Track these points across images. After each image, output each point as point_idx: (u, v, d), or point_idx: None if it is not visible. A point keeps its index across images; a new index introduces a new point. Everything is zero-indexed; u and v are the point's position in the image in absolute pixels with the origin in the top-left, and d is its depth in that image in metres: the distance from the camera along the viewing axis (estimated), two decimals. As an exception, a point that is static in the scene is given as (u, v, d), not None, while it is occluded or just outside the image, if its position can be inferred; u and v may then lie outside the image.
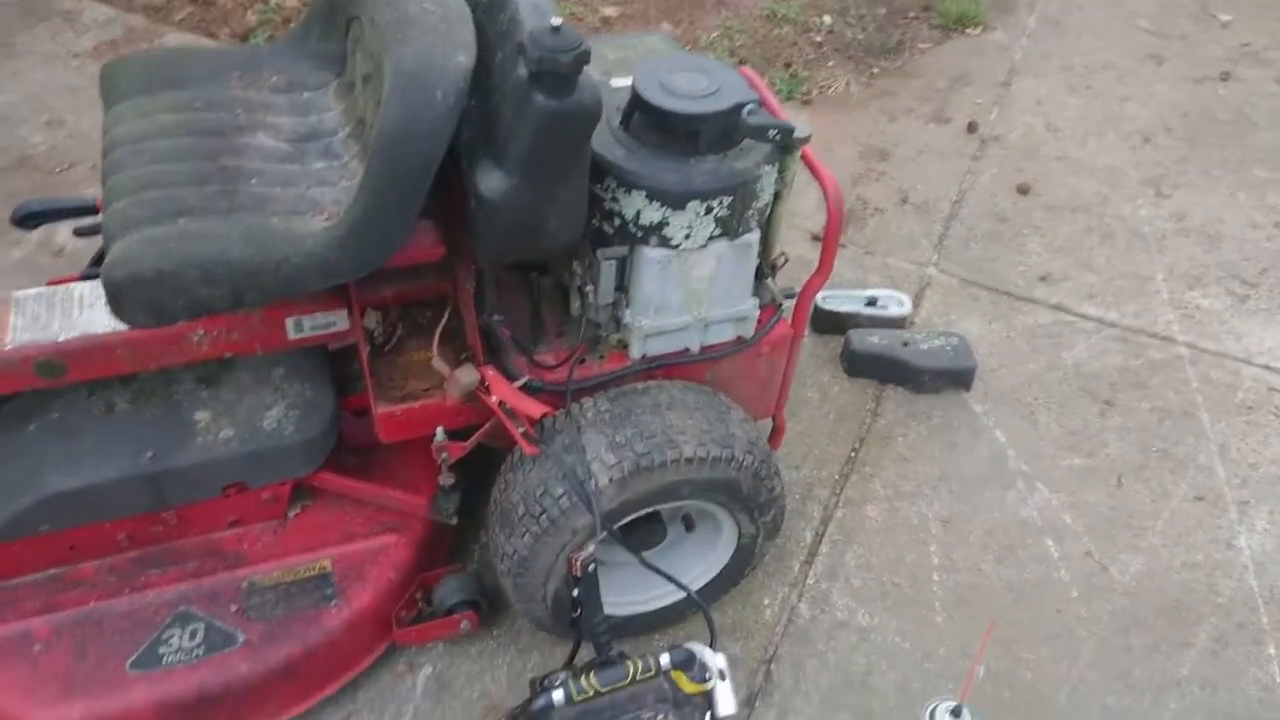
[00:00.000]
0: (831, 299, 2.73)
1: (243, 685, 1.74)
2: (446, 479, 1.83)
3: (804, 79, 3.69)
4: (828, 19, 4.03)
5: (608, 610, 1.97)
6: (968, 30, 4.06)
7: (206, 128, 1.68)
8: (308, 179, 1.66)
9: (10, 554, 1.77)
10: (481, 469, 1.93)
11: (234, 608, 1.81)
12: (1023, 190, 3.27)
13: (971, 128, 3.52)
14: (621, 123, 1.74)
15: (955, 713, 1.66)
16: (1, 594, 1.78)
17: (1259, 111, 3.68)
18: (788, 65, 3.75)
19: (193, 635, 1.77)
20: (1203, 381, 2.66)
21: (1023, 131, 3.53)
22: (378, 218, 1.44)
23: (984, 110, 3.61)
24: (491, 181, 1.50)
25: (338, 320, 1.82)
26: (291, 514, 1.94)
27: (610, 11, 3.97)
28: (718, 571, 2.01)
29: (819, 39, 3.93)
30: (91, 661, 1.73)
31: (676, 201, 1.66)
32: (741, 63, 3.68)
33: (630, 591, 2.02)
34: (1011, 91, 3.73)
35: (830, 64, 3.80)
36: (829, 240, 1.86)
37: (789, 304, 1.98)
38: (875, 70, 3.80)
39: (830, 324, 2.72)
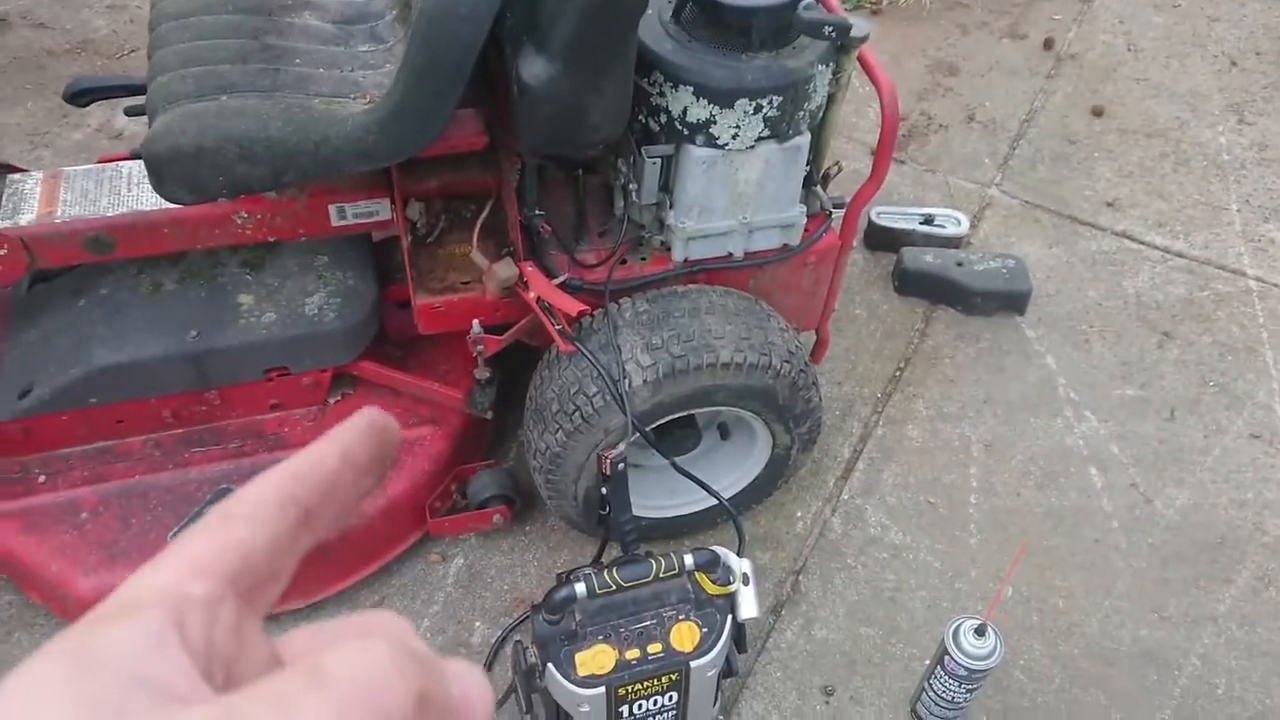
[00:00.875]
0: (886, 215, 2.66)
1: (278, 562, 1.78)
2: (482, 373, 1.84)
3: (875, -13, 3.55)
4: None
5: (639, 512, 1.99)
6: (1052, -58, 3.86)
7: (252, 5, 1.66)
8: (352, 61, 1.64)
9: (60, 425, 1.82)
10: (523, 366, 1.93)
11: (272, 488, 1.84)
12: (1097, 112, 3.14)
13: (1048, 44, 3.37)
14: (673, 15, 1.69)
15: (980, 631, 1.64)
16: (51, 463, 1.84)
17: (1359, 38, 3.47)
18: (859, -28, 3.61)
19: (232, 512, 1.81)
20: (1270, 317, 2.56)
21: (1102, 50, 3.38)
22: (417, 102, 1.42)
23: (1062, 27, 3.45)
24: (534, 68, 1.46)
25: (381, 209, 1.81)
26: (332, 401, 1.97)
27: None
28: (751, 481, 2.00)
29: (894, -54, 3.77)
30: (135, 531, 1.78)
31: (724, 99, 1.62)
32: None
33: (662, 495, 2.03)
34: (1093, 8, 3.56)
35: (904, -27, 3.65)
36: (883, 146, 1.81)
37: (838, 214, 1.93)
38: (951, -19, 3.65)
39: (884, 240, 2.65)
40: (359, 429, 0.37)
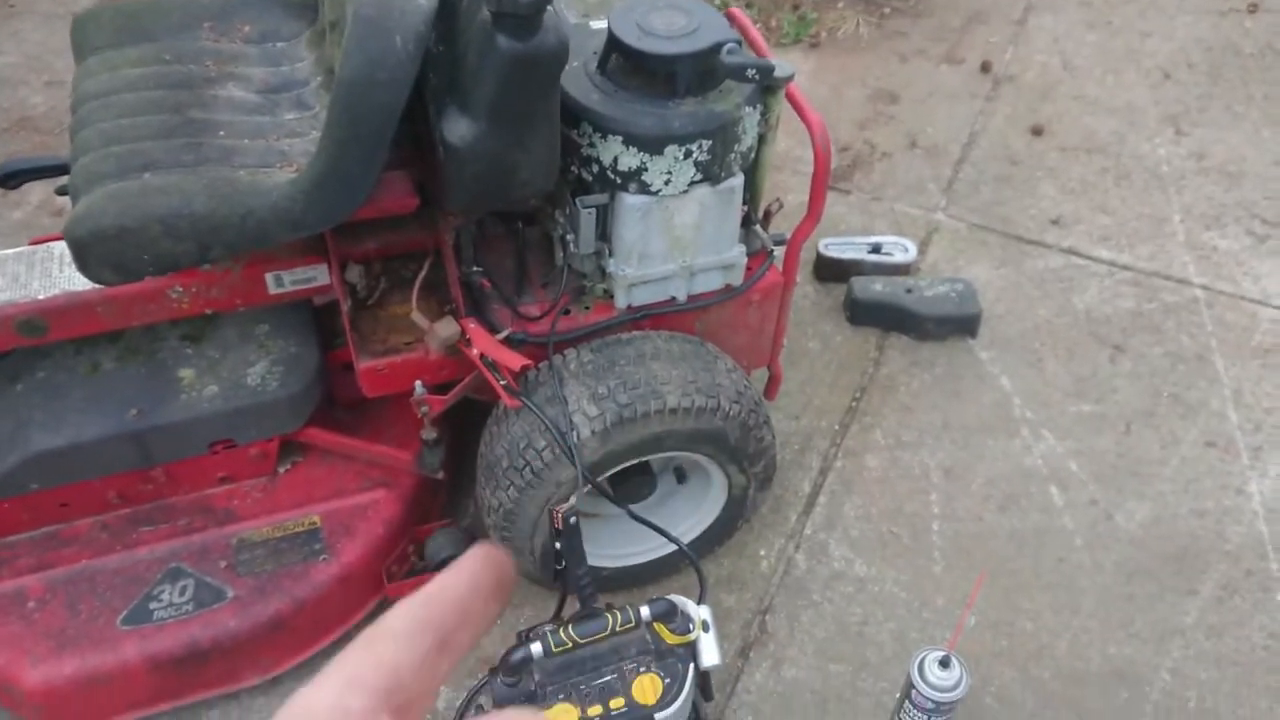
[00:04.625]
0: (834, 246, 2.68)
1: (232, 640, 1.75)
2: (429, 433, 1.82)
3: (812, 21, 3.60)
4: (838, -41, 3.92)
5: (600, 562, 1.97)
6: (984, -33, 3.93)
7: (175, 80, 1.66)
8: (277, 130, 1.63)
9: (2, 513, 1.78)
10: (477, 423, 1.91)
11: (223, 564, 1.82)
12: (1037, 131, 3.18)
13: (985, 68, 3.42)
14: (598, 66, 1.70)
15: (944, 663, 1.63)
16: (-5, 552, 1.80)
17: (1287, 44, 3.55)
18: (795, 7, 3.66)
19: (183, 591, 1.78)
20: (1218, 325, 2.59)
21: (1038, 70, 3.43)
22: (342, 169, 1.41)
23: (998, 49, 3.50)
24: (458, 129, 1.46)
25: (318, 275, 1.80)
26: (281, 470, 1.94)
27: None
28: (710, 523, 1.99)
29: (829, -21, 3.83)
30: (84, 618, 1.74)
31: (654, 146, 1.62)
32: (728, 4, 3.60)
33: (623, 544, 2.01)
34: (1027, 29, 3.62)
35: (840, 4, 3.70)
36: (817, 183, 1.82)
37: (779, 251, 1.94)
38: (886, 10, 3.70)
39: (834, 271, 2.66)
40: (479, 559, 0.41)
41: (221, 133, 1.59)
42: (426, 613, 0.38)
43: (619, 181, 1.67)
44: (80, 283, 1.70)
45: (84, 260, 1.43)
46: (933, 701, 1.63)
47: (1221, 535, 2.15)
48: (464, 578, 0.40)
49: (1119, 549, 2.13)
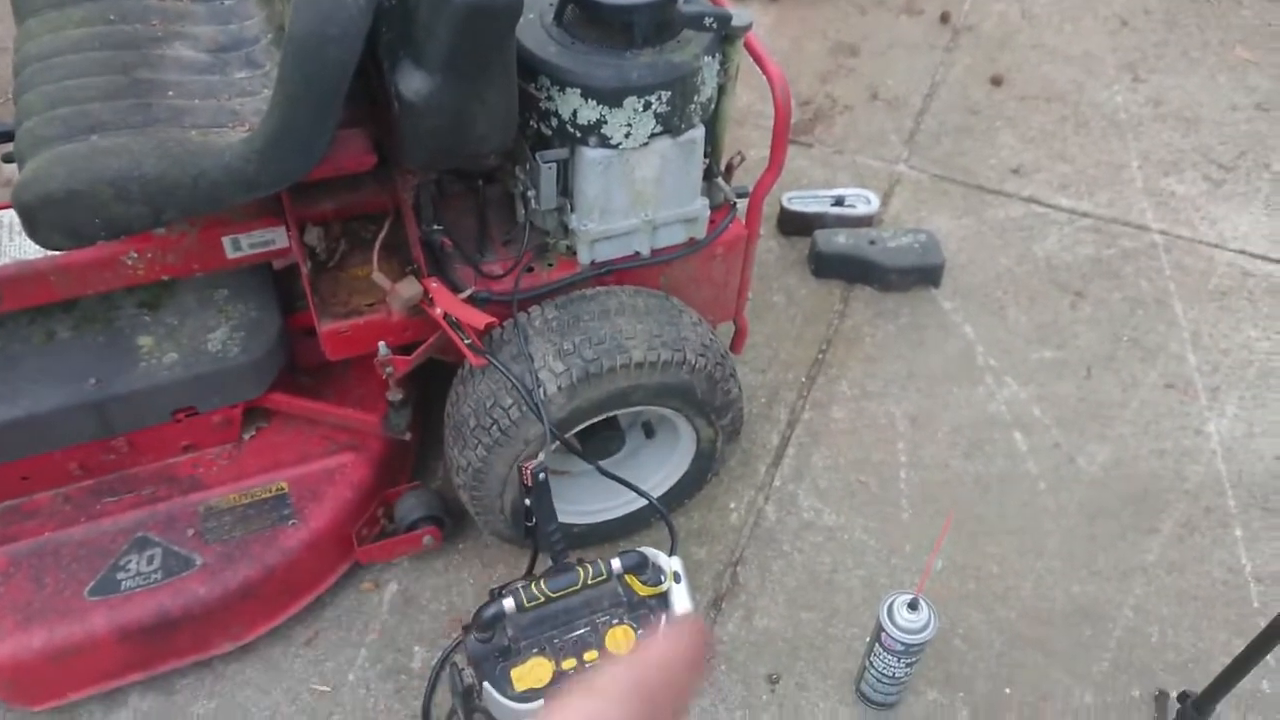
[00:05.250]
0: (798, 199, 2.68)
1: (202, 608, 1.74)
2: (395, 394, 1.81)
3: (771, -26, 3.57)
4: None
5: (571, 519, 1.98)
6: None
7: (120, 40, 1.62)
8: (228, 90, 1.60)
9: (-39, 487, 1.76)
10: (444, 384, 1.90)
11: (190, 532, 1.80)
12: (996, 81, 3.18)
13: (944, 18, 3.42)
14: (555, 18, 1.68)
15: (913, 605, 1.65)
16: (-44, 528, 1.78)
17: (1241, -11, 3.57)
18: (754, -39, 3.63)
19: (150, 560, 1.77)
20: (1176, 269, 2.62)
21: (997, 20, 3.43)
22: (295, 127, 1.39)
23: (957, 0, 3.50)
24: (413, 83, 1.44)
25: (276, 237, 1.77)
26: (246, 437, 1.93)
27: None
28: (679, 477, 2.00)
29: (787, -68, 3.79)
30: (50, 590, 1.72)
31: (612, 98, 1.61)
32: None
33: (594, 501, 2.01)
34: (986, -21, 3.61)
35: (798, -42, 3.67)
36: (778, 135, 1.81)
37: (742, 204, 1.94)
38: (845, -38, 3.67)
39: (797, 225, 2.66)
40: (684, 628, 0.41)
41: (171, 93, 1.56)
42: (639, 676, 0.38)
43: (578, 135, 1.65)
44: (32, 250, 1.66)
45: (33, 226, 1.40)
46: (902, 644, 1.65)
47: (1181, 475, 2.19)
48: (670, 646, 0.40)
49: (1081, 491, 2.16)
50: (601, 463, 1.86)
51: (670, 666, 0.39)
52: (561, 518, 1.91)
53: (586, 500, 2.00)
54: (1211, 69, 3.24)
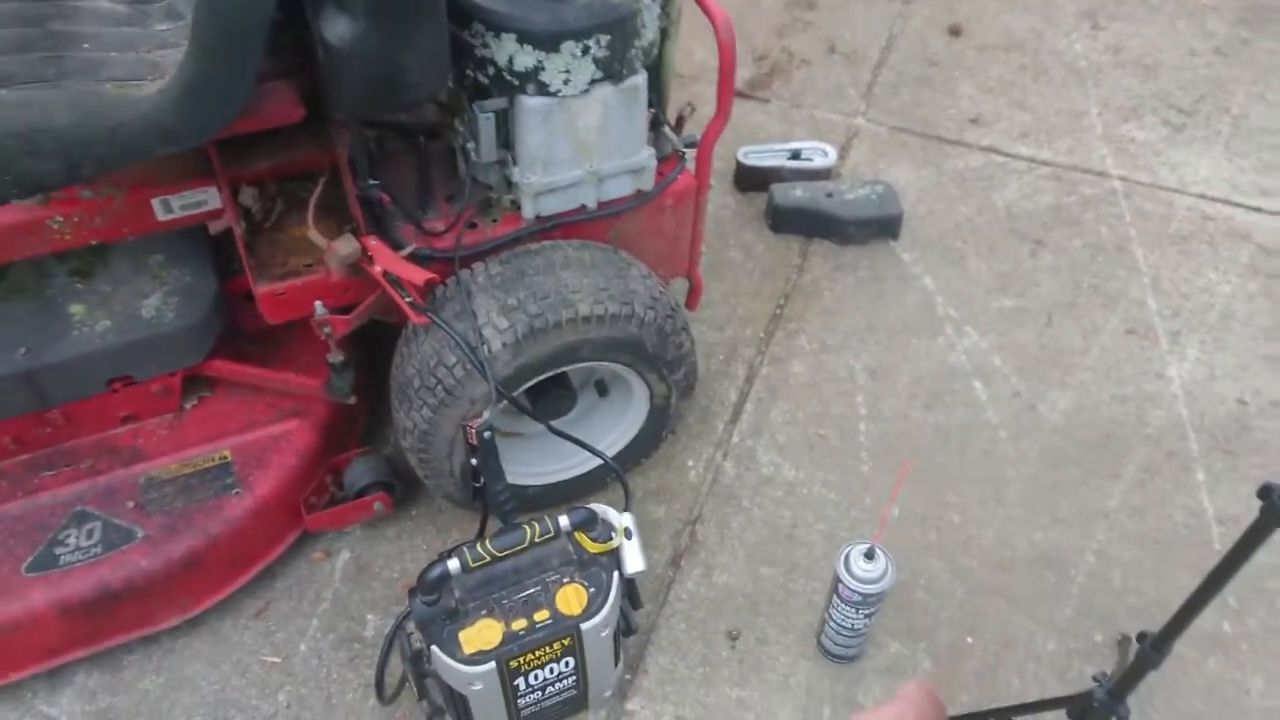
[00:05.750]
0: (754, 154, 2.63)
1: (145, 580, 1.70)
2: (336, 356, 1.76)
3: (726, -71, 3.50)
4: None
5: (527, 481, 1.95)
6: None
7: (33, -8, 1.55)
8: (148, 42, 1.54)
9: (-111, 465, 1.70)
10: (391, 349, 1.85)
11: (131, 504, 1.75)
12: (954, 32, 3.14)
13: (902, -30, 3.37)
14: (488, -39, 1.62)
15: (869, 555, 1.63)
16: (-113, 506, 1.72)
17: (1200, -65, 3.53)
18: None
19: (90, 534, 1.72)
20: (1136, 215, 2.60)
21: (955, -30, 3.38)
22: (212, 75, 1.33)
23: (915, -49, 3.45)
24: (337, 28, 1.38)
25: (208, 198, 1.71)
26: (188, 406, 1.87)
27: None
28: (634, 435, 1.96)
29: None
30: (-14, 567, 1.67)
31: (549, 43, 1.55)
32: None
33: (547, 462, 1.98)
34: (944, -71, 3.56)
35: (754, -89, 3.61)
36: (724, 79, 1.76)
37: (691, 154, 1.89)
38: (801, -85, 3.61)
39: (754, 180, 2.62)
40: (922, 696, 0.42)
41: (86, 45, 1.49)
42: None
43: (516, 83, 1.60)
44: (-50, 217, 1.60)
45: (-60, 185, 1.33)
46: (859, 594, 1.63)
47: (1142, 419, 2.18)
48: (911, 712, 0.40)
49: (1043, 438, 2.14)
50: (554, 422, 1.82)
51: None
52: (515, 479, 1.88)
53: (540, 462, 1.96)
54: (1171, 15, 3.22)
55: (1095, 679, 1.46)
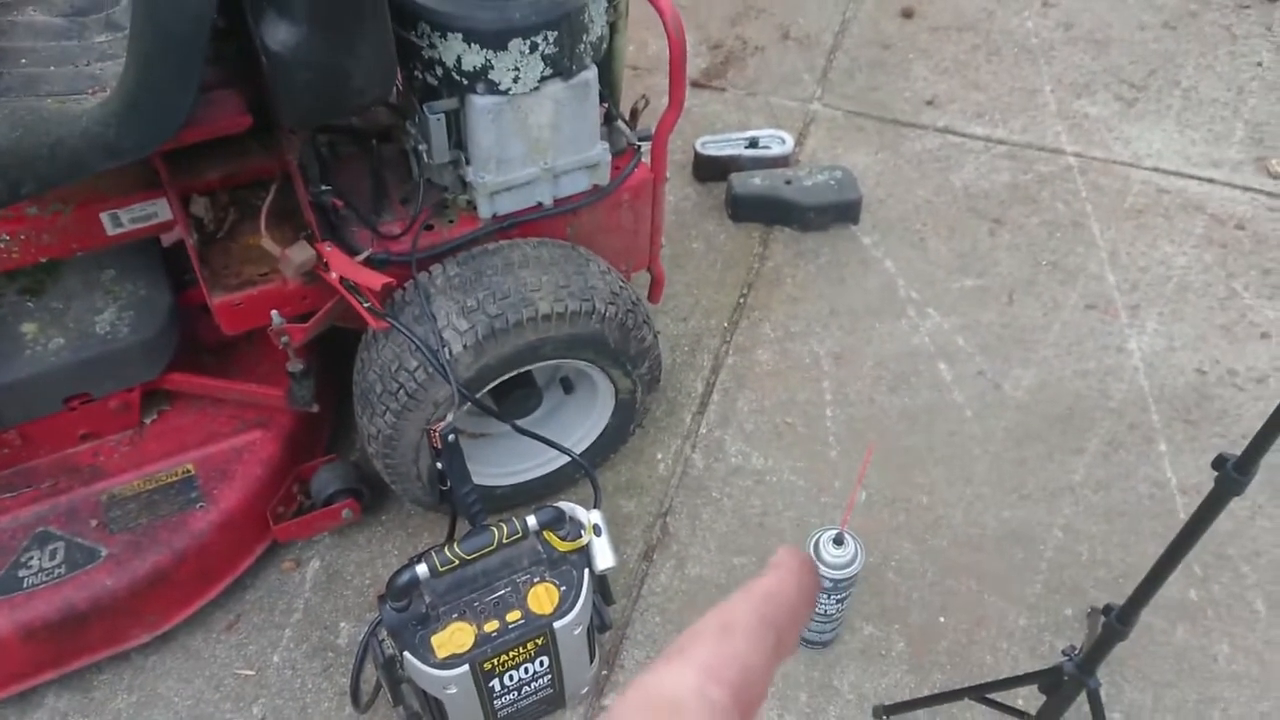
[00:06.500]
0: (711, 144, 2.63)
1: (111, 599, 1.68)
2: (295, 365, 1.74)
3: (676, -82, 3.49)
4: None
5: (495, 482, 1.94)
6: None
7: (-34, 8, 1.52)
8: (87, 54, 1.51)
9: None
10: (354, 356, 1.84)
11: (94, 522, 1.73)
12: (907, 14, 3.15)
13: (853, -46, 3.37)
14: (431, -40, 1.60)
15: (838, 540, 1.63)
16: None
17: (1146, -91, 3.55)
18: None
19: (53, 555, 1.70)
20: (1092, 190, 2.62)
21: (905, -47, 3.39)
22: (153, 87, 1.31)
23: (865, -66, 3.45)
24: (279, 35, 1.37)
25: (158, 210, 1.70)
26: (148, 421, 1.85)
27: None
28: (601, 431, 1.96)
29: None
30: (-53, 593, 1.65)
31: (496, 41, 1.54)
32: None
33: (516, 461, 1.97)
34: (893, -88, 3.56)
35: (703, -100, 3.60)
36: (674, 70, 1.76)
37: (646, 147, 1.89)
38: (751, -98, 3.61)
39: (713, 170, 2.62)
40: (796, 560, 0.40)
41: (23, 60, 1.47)
42: (768, 611, 0.37)
43: (465, 83, 1.59)
44: (-107, 239, 1.57)
45: (-121, 208, 1.31)
46: (830, 580, 1.64)
47: (1105, 393, 2.20)
48: (792, 579, 0.39)
49: (1008, 416, 2.16)
50: (520, 421, 1.82)
51: (794, 600, 0.39)
52: (484, 480, 1.88)
53: (508, 461, 1.96)
54: (1120, -10, 3.24)
55: (1064, 653, 1.48)
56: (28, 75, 1.44)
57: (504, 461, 1.95)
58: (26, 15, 1.54)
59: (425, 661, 1.46)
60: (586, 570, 1.55)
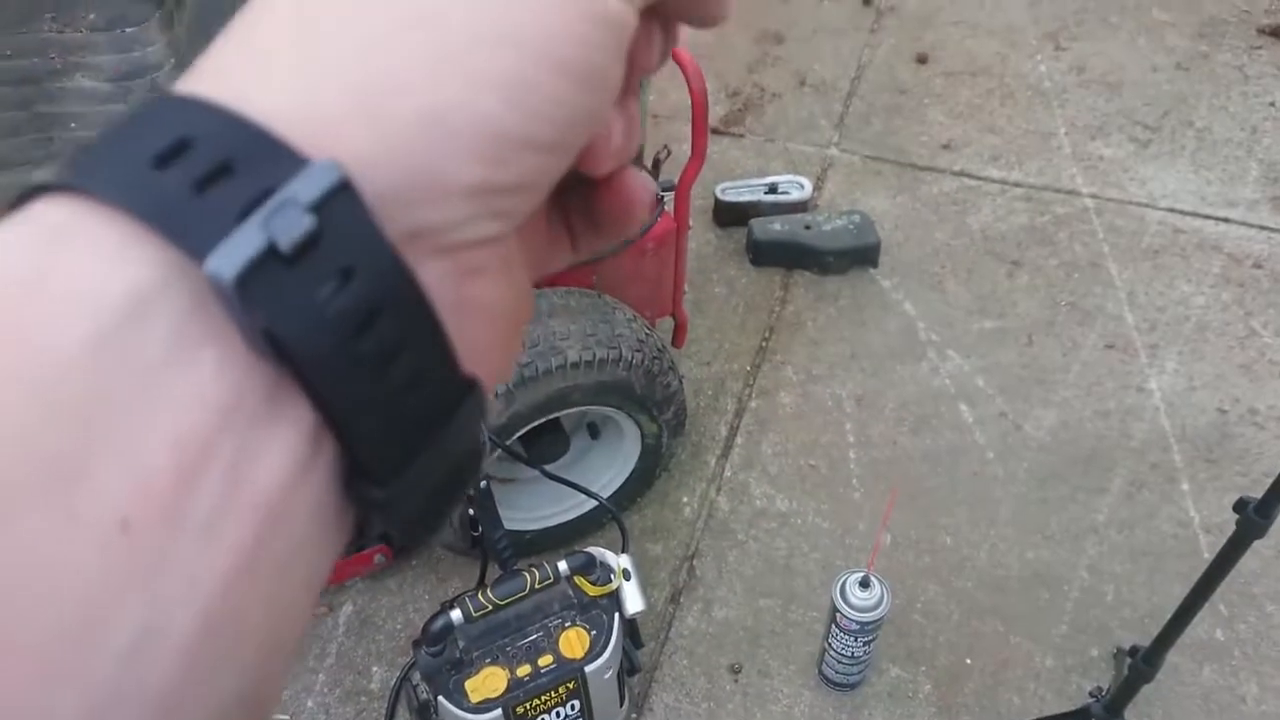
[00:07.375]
0: (731, 190, 2.68)
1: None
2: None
3: (693, -31, 3.57)
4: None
5: (524, 526, 1.97)
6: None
7: (18, 76, 1.59)
8: (133, 118, 1.57)
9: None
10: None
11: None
12: (921, 59, 3.21)
13: (866, 1, 3.44)
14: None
15: (864, 583, 1.66)
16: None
17: (1155, -47, 3.62)
18: (675, -43, 3.63)
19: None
20: (1108, 231, 2.65)
21: (918, 0, 3.46)
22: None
23: (878, -18, 3.52)
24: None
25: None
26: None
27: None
28: (628, 475, 1.99)
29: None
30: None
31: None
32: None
33: (543, 506, 2.00)
34: (905, -41, 3.64)
35: (719, -49, 3.68)
36: (697, 121, 1.81)
37: (669, 197, 1.93)
38: (766, -48, 3.69)
39: (733, 216, 2.67)
40: None
41: (73, 124, 1.53)
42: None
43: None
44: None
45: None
46: (857, 623, 1.65)
47: (1126, 433, 2.21)
48: None
49: (1030, 457, 2.18)
50: (548, 466, 1.85)
51: None
52: (511, 525, 1.90)
53: (536, 506, 1.99)
54: (1131, 32, 3.29)
55: (1092, 694, 1.49)
56: (78, 139, 1.50)
57: (533, 506, 1.98)
58: (75, 81, 1.60)
59: (459, 706, 1.49)
60: (616, 614, 1.58)
